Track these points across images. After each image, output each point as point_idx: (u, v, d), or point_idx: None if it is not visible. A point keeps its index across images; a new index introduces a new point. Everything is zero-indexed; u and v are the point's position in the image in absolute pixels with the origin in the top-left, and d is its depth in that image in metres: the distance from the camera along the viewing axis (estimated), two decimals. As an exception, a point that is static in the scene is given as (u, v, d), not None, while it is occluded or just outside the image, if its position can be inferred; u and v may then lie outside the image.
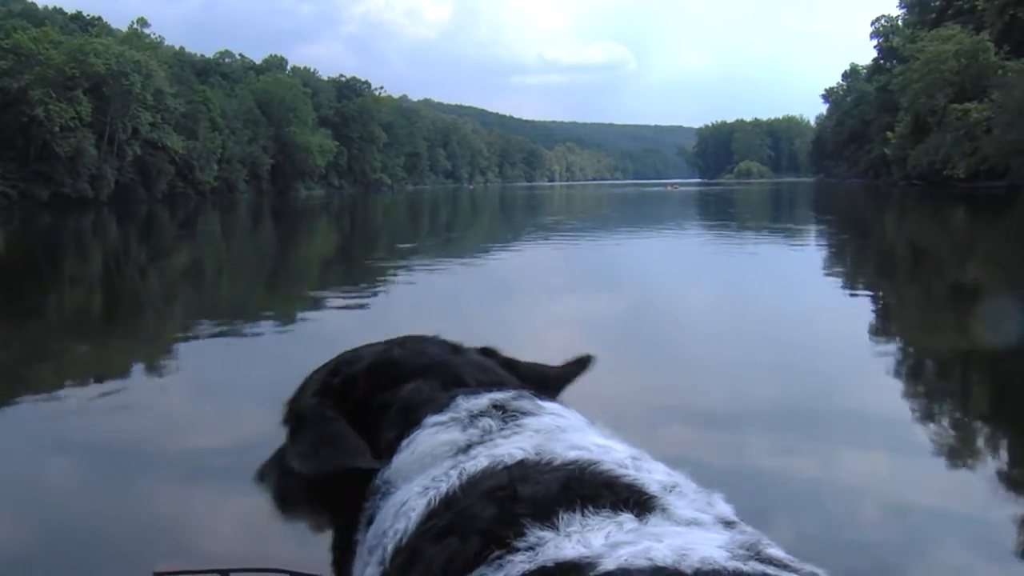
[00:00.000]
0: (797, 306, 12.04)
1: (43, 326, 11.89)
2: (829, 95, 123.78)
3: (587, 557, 0.70)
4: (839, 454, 5.68)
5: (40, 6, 77.58)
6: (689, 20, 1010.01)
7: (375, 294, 14.40)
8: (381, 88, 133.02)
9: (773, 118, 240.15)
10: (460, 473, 0.86)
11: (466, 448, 0.91)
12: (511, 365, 1.17)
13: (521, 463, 0.84)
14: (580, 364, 1.20)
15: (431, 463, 0.91)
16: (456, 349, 1.16)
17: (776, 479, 5.12)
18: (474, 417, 0.95)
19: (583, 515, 0.75)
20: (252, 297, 15.03)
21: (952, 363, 8.82)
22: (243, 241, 32.09)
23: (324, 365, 1.17)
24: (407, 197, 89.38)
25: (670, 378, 7.85)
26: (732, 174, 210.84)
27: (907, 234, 27.88)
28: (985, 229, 28.71)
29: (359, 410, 1.06)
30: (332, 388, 1.10)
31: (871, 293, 14.03)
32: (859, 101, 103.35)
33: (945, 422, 6.82)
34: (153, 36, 78.59)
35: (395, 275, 17.08)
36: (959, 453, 5.84)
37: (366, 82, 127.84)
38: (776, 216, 41.23)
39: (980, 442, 6.34)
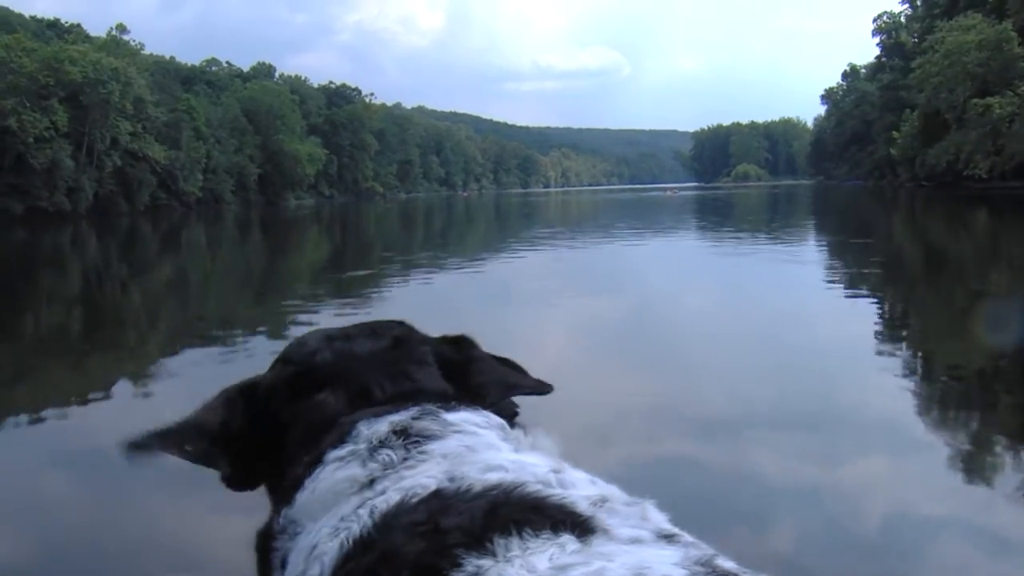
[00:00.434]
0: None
1: (15, 346, 11.16)
2: (828, 96, 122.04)
3: None
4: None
5: (27, 15, 75.46)
6: (683, 24, 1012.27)
7: (365, 307, 12.87)
8: (372, 95, 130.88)
9: (770, 120, 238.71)
10: (371, 511, 0.82)
11: (370, 483, 0.88)
12: (462, 366, 1.13)
13: (436, 494, 0.81)
14: (539, 388, 1.16)
15: (334, 502, 0.88)
16: (397, 343, 1.13)
17: None
18: (373, 449, 0.91)
19: (521, 539, 0.71)
20: (234, 314, 13.78)
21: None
22: (227, 254, 30.20)
23: (286, 349, 1.17)
24: (397, 206, 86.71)
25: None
26: (730, 177, 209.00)
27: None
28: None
29: (268, 417, 1.06)
30: (253, 382, 1.11)
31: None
32: (860, 101, 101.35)
33: None
34: (133, 43, 76.05)
35: (380, 289, 15.29)
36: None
37: (356, 89, 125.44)
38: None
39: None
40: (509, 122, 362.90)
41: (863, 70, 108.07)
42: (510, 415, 1.06)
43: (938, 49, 58.53)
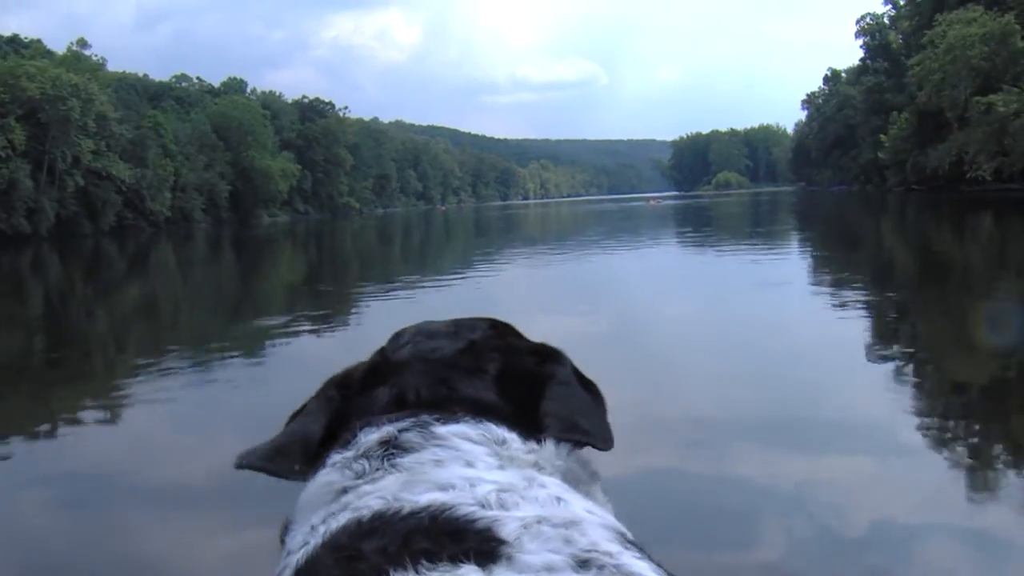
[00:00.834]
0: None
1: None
2: (809, 101, 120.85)
3: None
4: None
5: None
6: (659, 34, 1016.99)
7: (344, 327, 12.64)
8: (346, 108, 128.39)
9: (749, 127, 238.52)
10: (325, 531, 0.81)
11: (343, 491, 0.87)
12: (537, 383, 1.03)
13: (377, 515, 0.79)
14: (597, 441, 0.98)
15: (313, 507, 0.88)
16: (469, 346, 1.08)
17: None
18: (357, 457, 0.90)
19: (416, 572, 0.69)
20: (204, 336, 13.02)
21: None
22: (197, 275, 28.58)
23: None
24: (373, 222, 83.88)
25: None
26: (710, 186, 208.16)
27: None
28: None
29: (340, 410, 1.04)
30: (337, 378, 1.09)
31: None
32: (843, 105, 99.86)
33: None
34: (95, 58, 73.31)
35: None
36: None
37: (330, 103, 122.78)
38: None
39: None
40: (487, 135, 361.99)
41: (844, 74, 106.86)
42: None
43: (939, 44, 56.37)
